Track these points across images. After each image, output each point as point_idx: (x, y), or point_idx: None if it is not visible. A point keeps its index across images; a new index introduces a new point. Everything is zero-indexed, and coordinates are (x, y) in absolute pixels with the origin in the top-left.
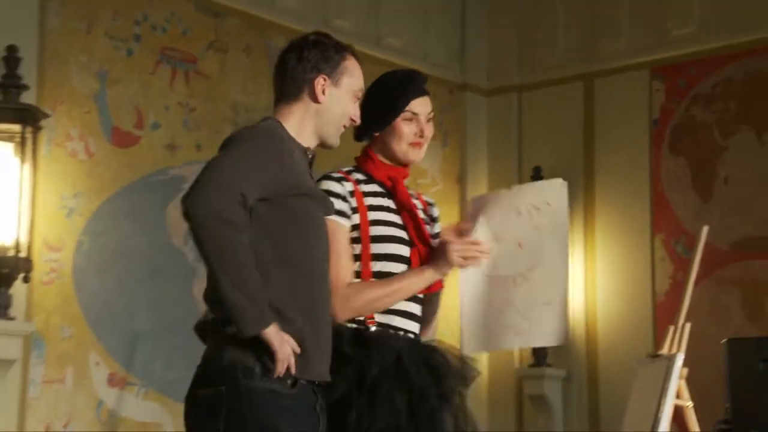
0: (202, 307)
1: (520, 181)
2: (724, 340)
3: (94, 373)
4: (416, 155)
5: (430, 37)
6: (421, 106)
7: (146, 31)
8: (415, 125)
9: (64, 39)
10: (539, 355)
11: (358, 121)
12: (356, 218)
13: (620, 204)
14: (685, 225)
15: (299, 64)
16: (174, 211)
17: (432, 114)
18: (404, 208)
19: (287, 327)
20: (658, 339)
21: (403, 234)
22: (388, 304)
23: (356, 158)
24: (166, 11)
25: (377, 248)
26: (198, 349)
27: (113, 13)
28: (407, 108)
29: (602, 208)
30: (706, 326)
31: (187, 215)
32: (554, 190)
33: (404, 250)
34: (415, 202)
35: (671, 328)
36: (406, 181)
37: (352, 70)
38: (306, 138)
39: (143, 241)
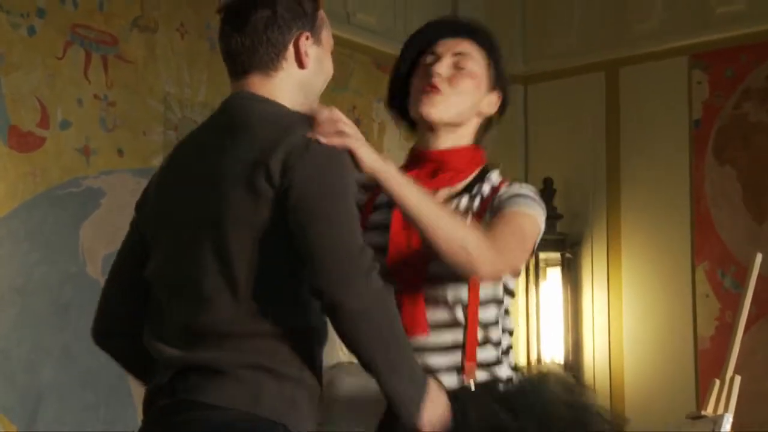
0: None
1: None
2: None
3: None
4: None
5: (412, 13)
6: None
7: (53, 5)
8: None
9: None
10: None
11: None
12: None
13: (653, 226)
14: (734, 252)
15: (274, 24)
16: (89, 232)
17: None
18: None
19: (301, 391)
20: (701, 396)
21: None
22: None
23: None
24: None
25: None
26: (118, 407)
27: None
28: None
29: (630, 231)
30: (760, 380)
31: (340, 308)
32: None
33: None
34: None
35: (717, 383)
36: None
37: (326, 21)
38: None
39: (49, 271)
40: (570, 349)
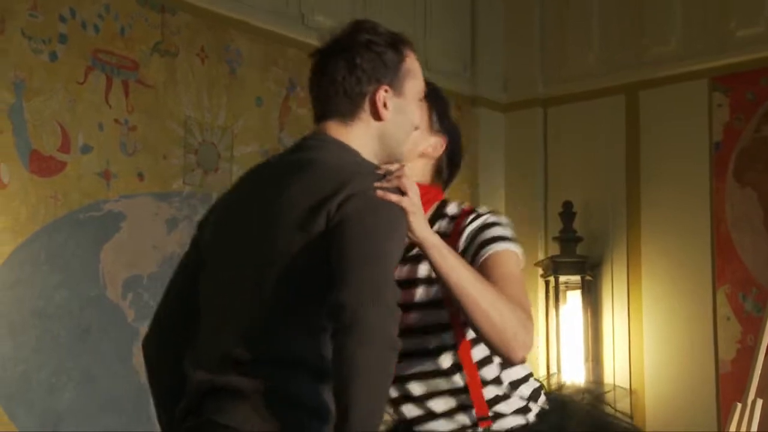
0: (143, 379)
1: (546, 221)
2: None
3: None
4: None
5: (432, 38)
6: None
7: (74, 30)
8: None
9: None
10: None
11: (420, 127)
12: None
13: (673, 248)
14: (755, 275)
15: (352, 75)
16: (109, 255)
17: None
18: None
19: (315, 420)
20: (723, 419)
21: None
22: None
23: None
24: (99, 4)
25: None
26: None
27: (32, 6)
28: None
29: (650, 254)
30: None
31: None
32: None
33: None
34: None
35: (738, 406)
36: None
37: (414, 70)
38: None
39: (70, 294)
40: (590, 371)
